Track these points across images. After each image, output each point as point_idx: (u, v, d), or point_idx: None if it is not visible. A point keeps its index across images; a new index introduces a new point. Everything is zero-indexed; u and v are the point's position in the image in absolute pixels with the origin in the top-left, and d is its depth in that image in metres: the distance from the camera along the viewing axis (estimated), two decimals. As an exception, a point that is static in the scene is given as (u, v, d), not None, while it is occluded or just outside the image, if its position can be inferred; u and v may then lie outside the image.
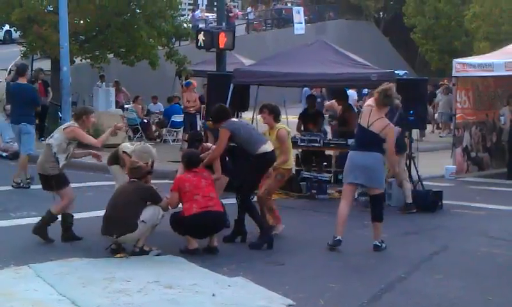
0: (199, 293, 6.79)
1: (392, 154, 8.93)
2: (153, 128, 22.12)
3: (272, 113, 9.70)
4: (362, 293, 7.16)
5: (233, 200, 9.65)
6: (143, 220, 8.10)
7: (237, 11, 46.35)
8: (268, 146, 9.08)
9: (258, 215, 9.04)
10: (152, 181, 8.90)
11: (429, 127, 22.72)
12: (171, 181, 9.48)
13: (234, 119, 9.68)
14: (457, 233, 10.52)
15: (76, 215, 9.40)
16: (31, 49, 20.69)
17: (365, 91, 22.76)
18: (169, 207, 8.59)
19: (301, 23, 34.14)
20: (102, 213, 9.58)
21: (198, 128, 18.03)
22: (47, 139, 9.11)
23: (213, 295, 6.71)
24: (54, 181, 8.90)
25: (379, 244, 8.94)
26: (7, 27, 26.64)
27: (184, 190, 8.44)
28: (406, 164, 12.54)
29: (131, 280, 7.06)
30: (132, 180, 8.43)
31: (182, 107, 20.16)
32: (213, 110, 9.42)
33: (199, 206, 8.30)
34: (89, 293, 6.66)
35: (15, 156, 14.84)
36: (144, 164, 8.63)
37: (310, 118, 14.57)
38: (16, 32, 25.32)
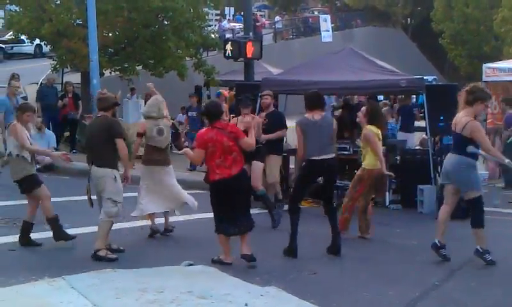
0: (232, 303, 6.78)
1: (485, 144, 8.65)
2: (183, 138, 22.17)
3: (366, 116, 10.13)
4: (396, 302, 7.10)
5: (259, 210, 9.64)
6: None
7: (264, 20, 46.43)
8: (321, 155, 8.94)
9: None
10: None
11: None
12: (200, 191, 9.51)
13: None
14: (490, 240, 10.35)
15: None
16: (61, 63, 20.93)
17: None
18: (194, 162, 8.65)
19: (328, 31, 34.17)
20: (127, 225, 9.66)
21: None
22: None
23: (246, 304, 6.69)
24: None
25: (480, 250, 8.66)
26: (37, 41, 26.97)
27: (206, 151, 8.23)
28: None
29: (164, 291, 7.07)
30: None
31: None
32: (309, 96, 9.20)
33: (221, 172, 8.18)
34: (122, 304, 6.68)
35: (46, 168, 14.96)
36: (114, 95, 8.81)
37: (344, 126, 14.43)
38: (46, 46, 25.60)
